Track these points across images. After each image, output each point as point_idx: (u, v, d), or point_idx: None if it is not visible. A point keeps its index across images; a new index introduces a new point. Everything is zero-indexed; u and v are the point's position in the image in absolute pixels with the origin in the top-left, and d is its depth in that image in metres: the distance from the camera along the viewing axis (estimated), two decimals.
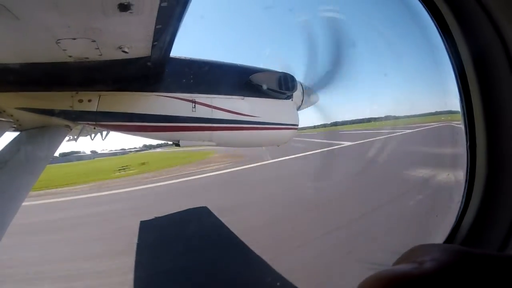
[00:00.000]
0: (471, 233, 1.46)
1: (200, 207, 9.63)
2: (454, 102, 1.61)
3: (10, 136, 4.52)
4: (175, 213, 9.40)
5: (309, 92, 5.22)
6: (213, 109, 4.27)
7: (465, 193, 1.49)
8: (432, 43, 1.63)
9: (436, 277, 0.37)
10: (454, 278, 0.36)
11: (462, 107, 1.44)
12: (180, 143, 4.32)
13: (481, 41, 1.25)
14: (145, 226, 8.38)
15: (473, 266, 0.37)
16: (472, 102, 1.36)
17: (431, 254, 0.40)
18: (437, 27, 1.42)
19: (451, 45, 1.38)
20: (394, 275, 0.38)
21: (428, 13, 1.41)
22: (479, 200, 1.42)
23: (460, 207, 1.53)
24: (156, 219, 8.98)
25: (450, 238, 1.54)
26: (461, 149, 1.51)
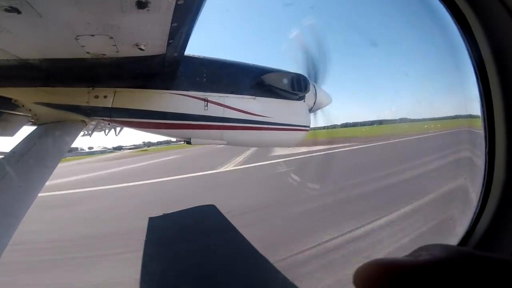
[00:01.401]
0: (485, 237, 1.43)
1: (208, 205, 9.69)
2: (473, 105, 1.59)
3: (27, 130, 4.67)
4: (182, 210, 9.49)
5: (322, 93, 5.18)
6: (225, 108, 4.30)
7: (481, 198, 1.46)
8: (452, 42, 1.59)
9: (428, 269, 0.38)
10: (446, 272, 0.38)
11: (482, 110, 1.40)
12: (192, 141, 4.36)
13: (503, 41, 1.21)
14: (153, 223, 8.47)
15: (470, 265, 0.38)
16: (493, 105, 1.33)
17: (430, 251, 0.42)
18: (457, 26, 1.38)
19: (472, 45, 1.34)
20: (388, 263, 0.41)
21: (448, 12, 1.38)
22: (495, 205, 1.39)
23: (475, 212, 1.50)
24: (164, 216, 9.08)
25: (463, 242, 1.51)
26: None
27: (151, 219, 8.68)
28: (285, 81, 4.58)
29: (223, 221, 8.24)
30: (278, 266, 5.76)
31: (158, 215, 9.10)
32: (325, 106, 5.38)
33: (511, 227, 1.35)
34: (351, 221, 7.99)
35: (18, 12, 1.93)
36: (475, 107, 1.49)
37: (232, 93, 4.37)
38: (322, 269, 5.69)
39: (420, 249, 0.44)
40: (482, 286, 0.36)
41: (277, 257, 6.08)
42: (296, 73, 4.71)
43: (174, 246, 7.10)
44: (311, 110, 5.08)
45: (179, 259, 6.45)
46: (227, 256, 6.45)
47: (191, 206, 9.85)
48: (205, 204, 9.90)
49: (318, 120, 5.46)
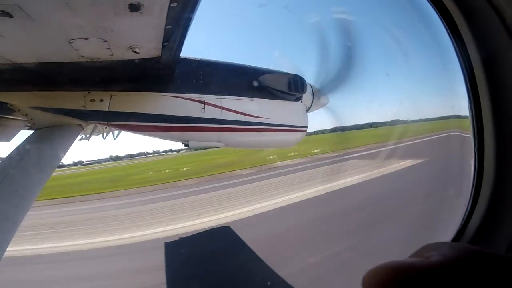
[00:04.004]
0: (477, 234, 1.43)
1: (224, 226, 9.35)
2: (461, 105, 1.58)
3: (24, 134, 4.65)
4: (198, 233, 9.08)
5: (319, 94, 5.17)
6: (222, 110, 4.28)
7: (472, 195, 1.46)
8: (440, 43, 1.59)
9: (441, 270, 0.37)
10: (459, 273, 0.36)
11: (470, 108, 1.40)
12: (189, 143, 4.34)
13: (491, 42, 1.21)
14: (169, 247, 8.16)
15: (481, 264, 0.37)
16: (481, 104, 1.33)
17: (439, 250, 0.40)
18: (445, 27, 1.38)
19: (460, 46, 1.34)
20: (399, 265, 0.39)
21: (437, 13, 1.37)
22: (486, 202, 1.39)
23: (466, 209, 1.49)
24: (180, 240, 8.73)
25: (456, 239, 1.51)
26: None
27: (167, 244, 8.32)
28: (283, 82, 4.56)
29: (240, 243, 7.98)
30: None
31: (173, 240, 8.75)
32: (322, 107, 5.37)
33: (502, 224, 1.35)
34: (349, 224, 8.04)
35: (10, 16, 1.92)
36: (463, 107, 1.49)
37: (229, 94, 4.35)
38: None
39: (428, 248, 0.42)
40: (493, 284, 0.36)
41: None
42: (293, 74, 4.69)
43: (194, 270, 6.96)
44: (308, 110, 5.07)
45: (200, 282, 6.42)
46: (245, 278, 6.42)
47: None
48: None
49: None
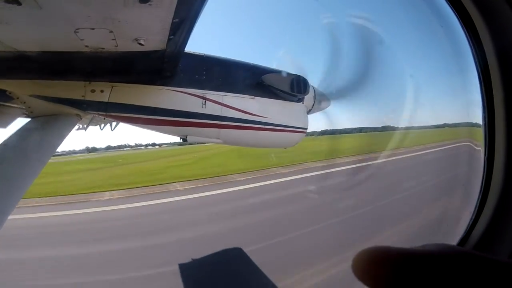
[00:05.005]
0: (481, 241, 1.44)
1: (234, 248, 9.28)
2: (474, 111, 1.58)
3: (21, 122, 4.59)
4: (210, 254, 9.02)
5: (321, 96, 5.18)
6: (223, 107, 4.27)
7: (478, 203, 1.47)
8: (456, 44, 1.58)
9: (423, 258, 0.39)
10: (440, 265, 0.38)
11: (483, 115, 1.40)
12: (188, 138, 4.32)
13: (509, 43, 1.20)
14: (183, 269, 8.18)
15: (466, 263, 0.38)
16: (495, 110, 1.32)
17: (431, 248, 0.42)
18: (463, 28, 1.37)
19: (477, 47, 1.33)
20: (384, 249, 0.41)
21: (454, 12, 1.36)
22: (492, 210, 1.39)
23: (472, 216, 1.50)
24: (194, 261, 8.68)
25: (459, 245, 1.52)
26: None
27: (181, 266, 8.30)
28: (285, 82, 4.56)
29: (250, 264, 8.06)
30: None
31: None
32: (323, 109, 5.38)
33: (506, 233, 1.36)
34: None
35: (19, 3, 1.89)
36: (476, 113, 1.48)
37: (231, 91, 4.34)
38: None
39: (421, 246, 0.44)
40: (475, 284, 0.37)
41: None
42: (296, 75, 4.69)
43: None
44: (309, 112, 5.08)
45: None
46: None
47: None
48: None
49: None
